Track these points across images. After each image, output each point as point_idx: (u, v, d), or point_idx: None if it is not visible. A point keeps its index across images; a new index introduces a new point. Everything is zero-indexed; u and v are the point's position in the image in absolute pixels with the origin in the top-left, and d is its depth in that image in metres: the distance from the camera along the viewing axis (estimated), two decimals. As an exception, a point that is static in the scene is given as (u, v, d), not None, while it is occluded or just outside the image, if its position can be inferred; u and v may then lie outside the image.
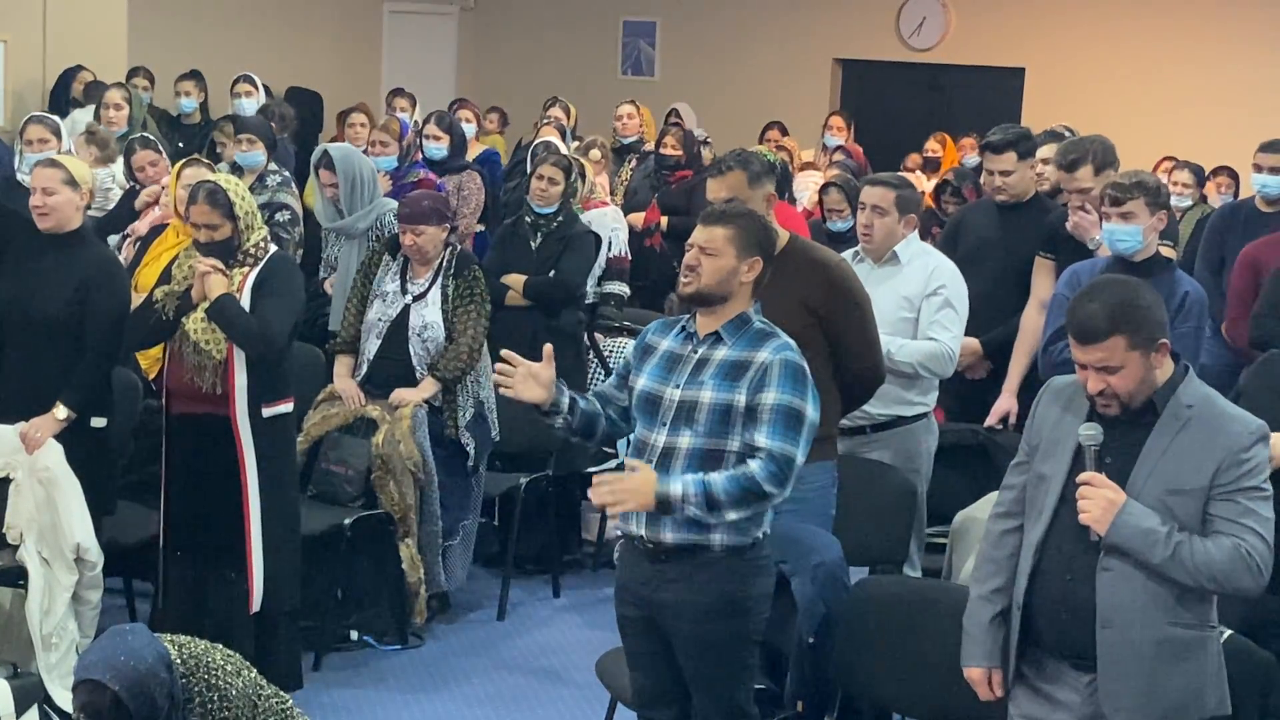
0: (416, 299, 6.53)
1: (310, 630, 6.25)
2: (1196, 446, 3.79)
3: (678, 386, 4.40)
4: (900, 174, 6.96)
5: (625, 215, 9.46)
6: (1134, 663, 3.81)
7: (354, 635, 6.50)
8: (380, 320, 6.56)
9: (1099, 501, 3.78)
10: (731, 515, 4.29)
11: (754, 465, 4.27)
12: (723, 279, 4.42)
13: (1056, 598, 3.89)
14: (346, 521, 6.26)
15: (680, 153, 9.72)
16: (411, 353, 6.50)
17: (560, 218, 7.59)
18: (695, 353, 4.45)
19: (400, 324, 6.52)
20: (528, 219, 7.64)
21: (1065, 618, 3.89)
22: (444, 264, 6.57)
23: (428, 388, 6.47)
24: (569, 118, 11.03)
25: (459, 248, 6.73)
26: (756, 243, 4.46)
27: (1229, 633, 4.39)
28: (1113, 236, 5.78)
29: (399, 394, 6.44)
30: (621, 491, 4.26)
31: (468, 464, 6.59)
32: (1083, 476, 3.81)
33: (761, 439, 4.30)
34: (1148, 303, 3.85)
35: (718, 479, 4.25)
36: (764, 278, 4.50)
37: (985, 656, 4.08)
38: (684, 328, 4.53)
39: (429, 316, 6.50)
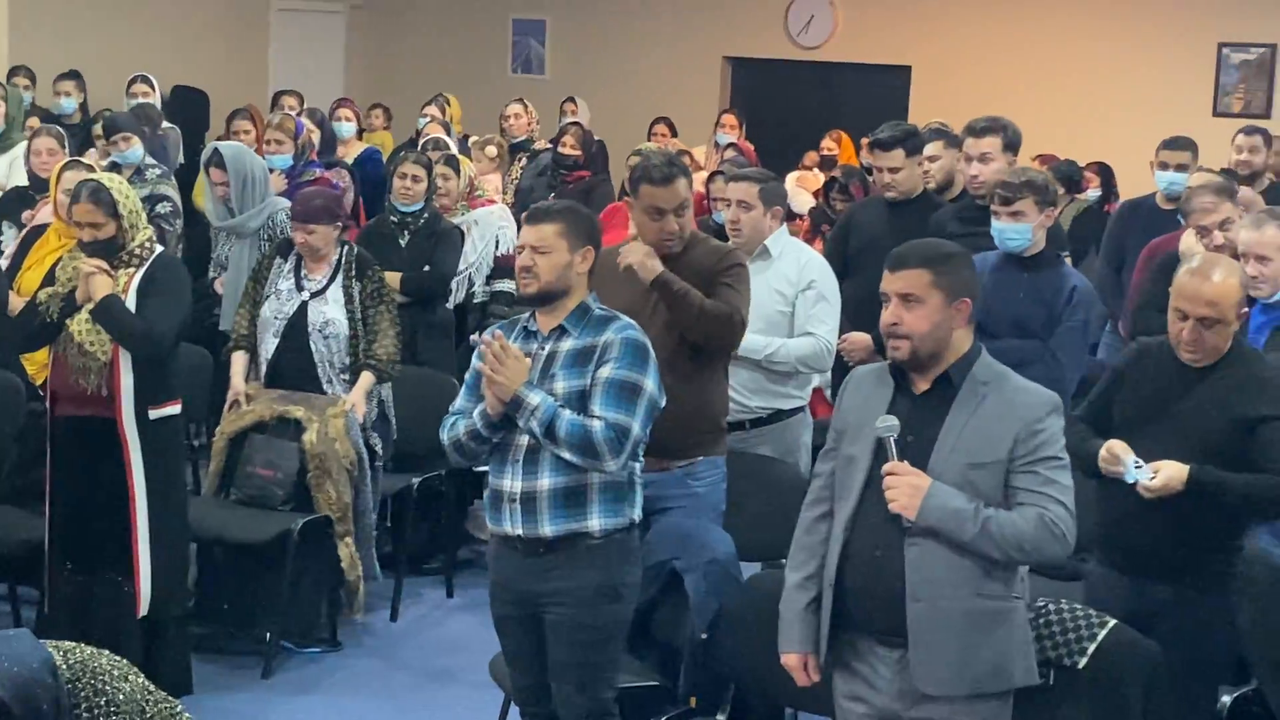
0: (315, 295, 6.48)
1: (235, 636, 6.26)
2: (994, 420, 3.90)
3: (531, 384, 4.42)
4: (764, 169, 7.00)
5: (521, 214, 9.45)
6: (944, 634, 3.89)
7: (267, 637, 6.40)
8: (277, 318, 6.49)
9: (905, 489, 3.86)
10: (562, 452, 4.36)
11: (597, 424, 4.34)
12: (560, 273, 4.48)
13: (867, 575, 3.96)
14: (295, 526, 6.18)
15: (579, 152, 9.72)
16: (313, 349, 6.44)
17: (425, 215, 7.61)
18: (543, 349, 4.50)
19: (298, 321, 6.46)
20: (393, 218, 7.64)
21: (875, 594, 3.96)
22: (342, 262, 6.52)
23: (367, 383, 6.43)
24: (445, 114, 10.97)
25: (355, 247, 6.69)
26: (585, 232, 4.53)
27: (1114, 622, 4.46)
28: (1002, 235, 5.89)
29: (351, 399, 6.37)
30: (500, 372, 4.36)
31: (374, 463, 6.55)
32: (887, 467, 3.90)
33: (596, 408, 4.36)
34: (962, 262, 4.02)
35: (567, 416, 4.34)
36: (595, 266, 4.55)
37: (800, 642, 4.14)
38: (525, 327, 4.58)
39: (330, 313, 6.45)
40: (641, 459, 4.60)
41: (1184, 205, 6.66)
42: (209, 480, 6.54)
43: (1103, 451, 4.51)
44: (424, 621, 6.98)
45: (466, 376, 4.65)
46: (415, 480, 7.01)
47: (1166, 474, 4.49)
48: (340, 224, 6.55)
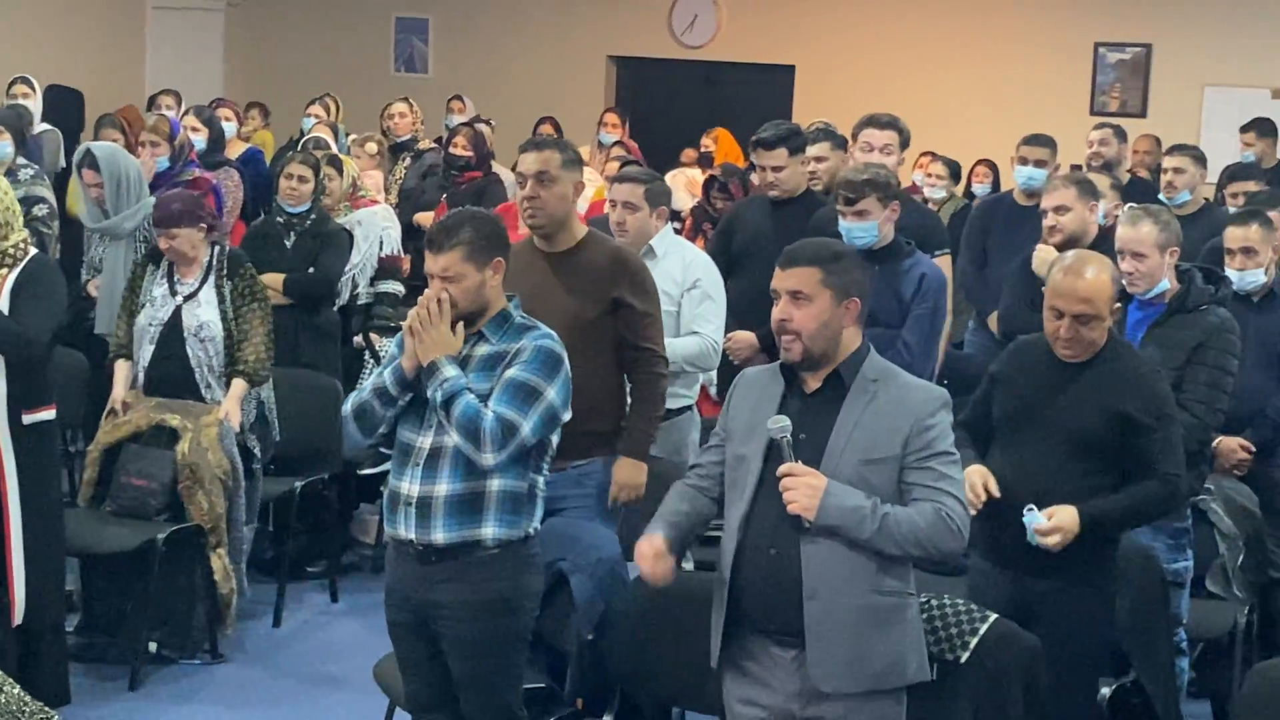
0: (187, 299, 6.39)
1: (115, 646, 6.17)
2: (885, 417, 3.93)
3: (454, 360, 4.39)
4: (649, 169, 7.01)
5: (413, 215, 9.41)
6: (840, 631, 3.91)
7: (152, 648, 6.31)
8: (152, 325, 6.40)
9: (803, 490, 3.87)
10: (453, 430, 4.32)
11: (489, 415, 4.30)
12: (474, 297, 4.44)
13: (762, 574, 3.97)
14: (160, 536, 6.08)
15: (471, 153, 9.67)
16: (190, 354, 6.35)
17: (312, 215, 7.54)
18: (459, 353, 4.44)
19: (174, 326, 6.37)
20: (279, 219, 7.56)
21: (771, 593, 3.96)
22: (213, 263, 6.43)
23: (240, 390, 6.34)
24: (329, 114, 10.87)
25: (227, 247, 6.60)
26: (491, 245, 4.46)
27: (994, 617, 4.49)
28: (850, 234, 6.08)
29: (225, 411, 6.27)
30: (425, 335, 4.35)
31: (252, 466, 6.48)
32: (783, 468, 3.90)
33: (491, 404, 4.33)
34: (852, 262, 4.06)
35: (469, 397, 4.31)
36: (508, 269, 4.52)
37: (660, 528, 4.15)
38: None
39: (204, 316, 6.36)
40: (546, 471, 4.56)
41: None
42: (83, 489, 6.44)
43: (967, 490, 4.47)
44: (307, 627, 6.90)
45: (386, 357, 4.62)
46: (298, 484, 6.93)
47: (1059, 521, 4.53)
48: (204, 225, 6.42)
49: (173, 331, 6.36)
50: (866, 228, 6.07)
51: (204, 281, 6.41)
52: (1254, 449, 6.10)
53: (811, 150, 7.24)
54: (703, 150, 11.91)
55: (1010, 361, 4.92)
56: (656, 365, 5.41)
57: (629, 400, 5.54)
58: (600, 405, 5.32)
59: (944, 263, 6.75)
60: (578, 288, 5.31)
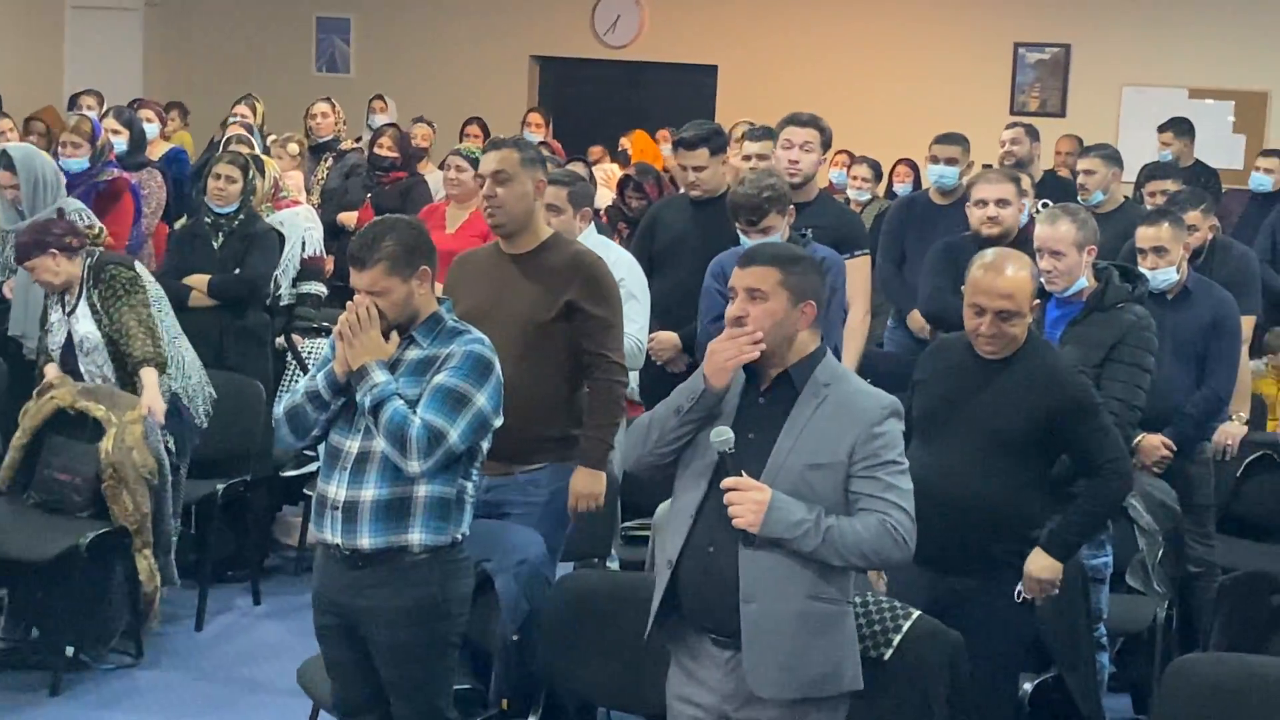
0: (69, 315, 6.36)
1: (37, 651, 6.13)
2: (833, 422, 3.93)
3: (383, 365, 4.36)
4: (571, 170, 7.01)
5: (336, 215, 9.36)
6: (776, 636, 3.90)
7: (69, 652, 6.22)
8: (54, 349, 6.40)
9: (748, 505, 3.86)
10: (381, 437, 4.29)
11: (416, 422, 4.27)
12: (402, 308, 4.42)
13: (701, 571, 3.97)
14: (83, 542, 6.00)
15: (396, 154, 9.63)
16: (82, 370, 6.32)
17: (241, 216, 7.47)
18: (390, 358, 4.41)
19: (69, 346, 6.36)
20: (207, 219, 7.49)
21: (708, 591, 3.96)
22: (84, 276, 6.36)
23: (152, 379, 6.25)
24: (255, 115, 10.79)
25: (95, 254, 6.47)
26: (414, 256, 4.43)
27: (917, 614, 4.53)
28: None
29: (147, 406, 6.20)
30: (359, 336, 4.31)
31: (173, 459, 6.39)
32: (727, 482, 3.89)
33: (419, 411, 4.30)
34: (811, 266, 4.06)
35: (398, 404, 4.28)
36: (435, 274, 4.50)
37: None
38: None
39: (82, 329, 6.32)
40: (475, 476, 4.53)
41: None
42: (3, 473, 6.32)
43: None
44: (230, 630, 6.85)
45: (319, 360, 4.58)
46: (220, 486, 6.88)
47: (1034, 573, 4.69)
48: (55, 250, 6.26)
49: (69, 351, 6.35)
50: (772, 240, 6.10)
51: (80, 296, 6.36)
52: (1175, 447, 6.17)
53: (754, 148, 7.28)
54: (620, 150, 11.95)
55: (931, 360, 4.95)
56: (613, 372, 5.33)
57: (584, 407, 5.51)
58: (549, 410, 5.26)
59: (864, 263, 6.77)
60: (533, 290, 5.26)
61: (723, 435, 3.91)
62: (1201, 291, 6.32)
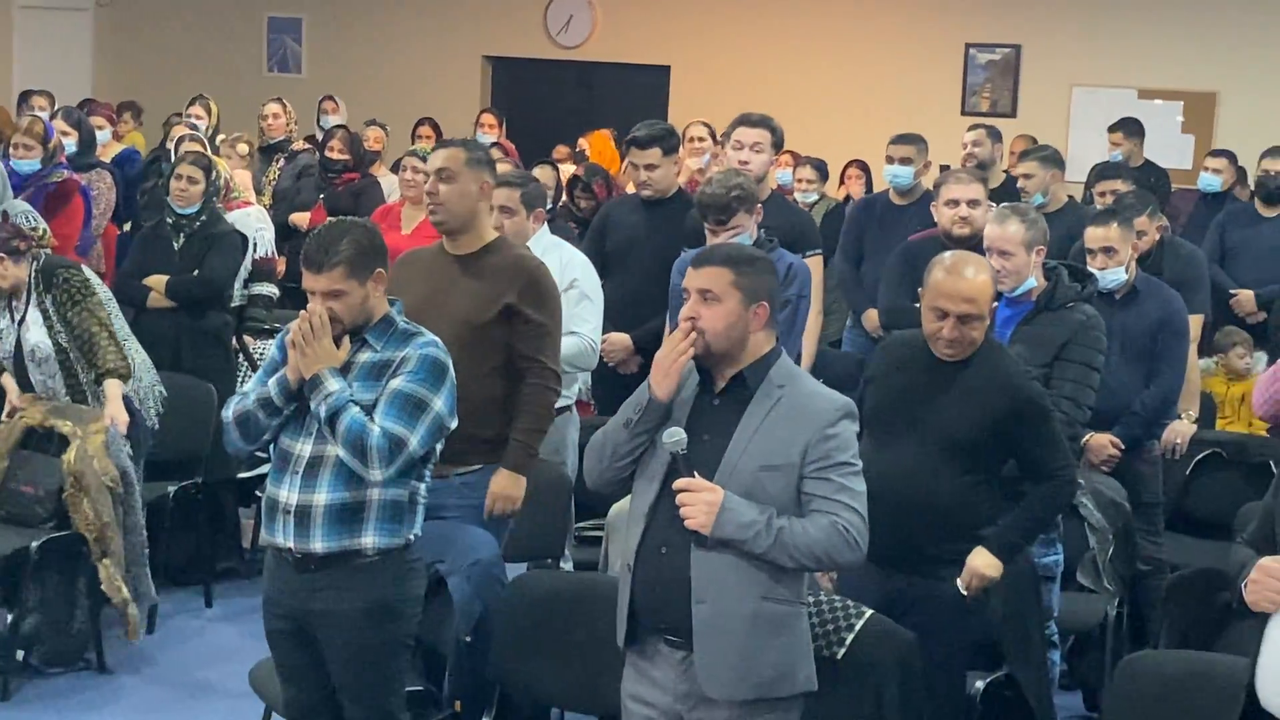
0: (19, 324, 6.30)
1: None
2: (786, 423, 3.93)
3: (336, 372, 4.35)
4: (524, 171, 7.01)
5: (288, 216, 9.33)
6: (729, 637, 3.90)
7: (19, 656, 6.19)
8: (4, 359, 6.35)
9: (700, 506, 3.86)
10: (339, 446, 4.28)
11: (376, 429, 4.26)
12: (357, 312, 4.40)
13: (655, 572, 3.97)
14: (33, 545, 5.97)
15: (348, 156, 9.62)
16: (32, 379, 6.28)
17: (203, 217, 7.41)
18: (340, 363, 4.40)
19: (19, 354, 6.30)
20: (169, 220, 7.44)
21: (661, 590, 3.96)
22: (31, 280, 6.30)
23: (116, 391, 6.21)
24: (210, 116, 10.75)
25: (43, 259, 6.42)
26: (369, 259, 4.42)
27: (870, 613, 4.54)
28: None
29: (110, 416, 6.16)
30: (311, 344, 4.30)
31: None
32: (679, 483, 3.89)
33: (378, 417, 4.29)
34: (764, 267, 4.06)
35: (354, 412, 4.27)
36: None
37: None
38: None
39: (34, 338, 6.26)
40: (427, 478, 4.52)
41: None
42: None
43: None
44: (182, 633, 6.82)
45: (265, 362, 4.57)
46: (171, 489, 6.85)
47: (975, 571, 4.71)
48: (3, 253, 6.20)
49: (19, 360, 6.30)
50: (740, 240, 6.07)
51: (28, 304, 6.29)
52: (1124, 446, 6.21)
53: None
54: (577, 150, 11.94)
55: (883, 357, 4.96)
56: (547, 379, 5.33)
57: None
58: (484, 412, 5.24)
59: (816, 263, 6.80)
60: (473, 291, 5.26)
61: (675, 436, 3.91)
62: (1150, 291, 6.36)
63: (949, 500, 4.66)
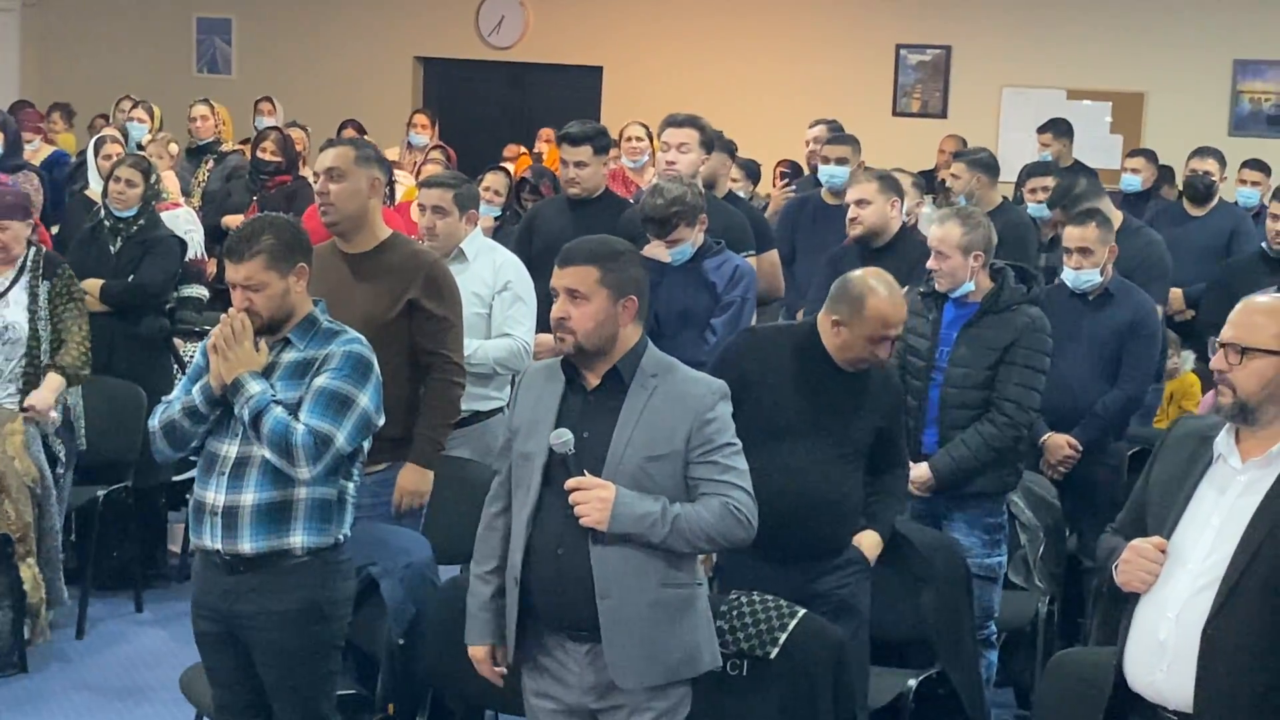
0: None
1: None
2: (666, 413, 3.96)
3: (257, 374, 4.33)
4: (457, 172, 7.00)
5: (217, 218, 9.25)
6: (634, 627, 3.94)
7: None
8: None
9: (594, 504, 3.88)
10: (265, 448, 4.26)
11: (300, 428, 4.25)
12: (278, 305, 4.38)
13: (552, 573, 3.98)
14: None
15: (280, 158, 9.55)
16: None
17: (141, 221, 7.36)
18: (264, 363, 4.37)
19: None
20: (107, 223, 7.38)
21: (562, 592, 3.97)
22: (27, 263, 6.27)
23: (55, 384, 6.17)
24: (153, 120, 10.64)
25: (42, 247, 6.43)
26: (292, 252, 4.41)
27: (803, 612, 4.56)
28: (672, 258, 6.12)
29: (32, 399, 6.11)
30: (232, 349, 4.28)
31: (56, 471, 6.31)
32: (570, 483, 3.90)
33: (303, 415, 4.28)
34: (630, 260, 4.07)
35: (277, 412, 4.25)
36: (312, 273, 4.47)
37: (485, 635, 4.17)
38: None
39: (10, 317, 6.20)
40: (356, 476, 4.50)
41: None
42: None
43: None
44: (112, 637, 6.77)
45: (189, 368, 4.54)
46: (100, 493, 6.79)
47: (873, 555, 4.92)
48: (33, 222, 6.29)
49: None
50: (682, 251, 6.17)
51: (14, 282, 6.24)
52: (1080, 448, 6.23)
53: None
54: (535, 151, 11.92)
55: (758, 357, 4.94)
56: (450, 372, 5.37)
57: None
58: (393, 410, 5.21)
59: (755, 263, 6.81)
60: (374, 289, 5.27)
61: (562, 438, 3.93)
62: (1123, 294, 6.37)
63: (841, 494, 4.82)
